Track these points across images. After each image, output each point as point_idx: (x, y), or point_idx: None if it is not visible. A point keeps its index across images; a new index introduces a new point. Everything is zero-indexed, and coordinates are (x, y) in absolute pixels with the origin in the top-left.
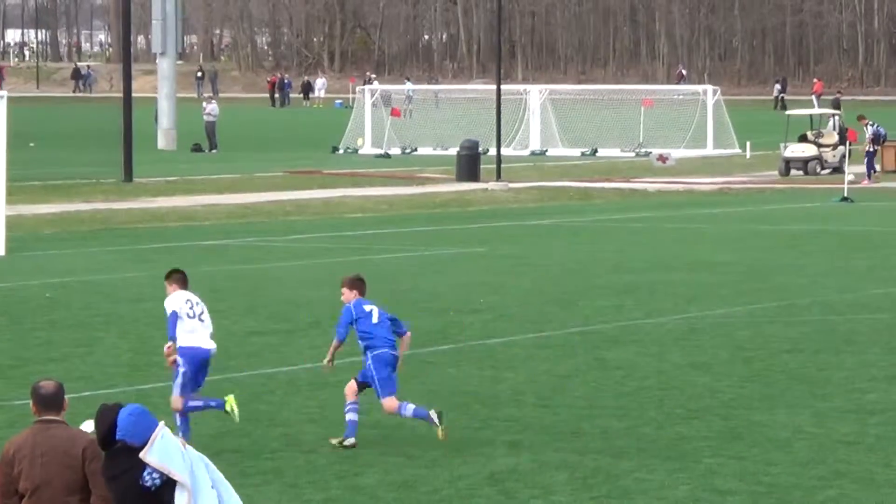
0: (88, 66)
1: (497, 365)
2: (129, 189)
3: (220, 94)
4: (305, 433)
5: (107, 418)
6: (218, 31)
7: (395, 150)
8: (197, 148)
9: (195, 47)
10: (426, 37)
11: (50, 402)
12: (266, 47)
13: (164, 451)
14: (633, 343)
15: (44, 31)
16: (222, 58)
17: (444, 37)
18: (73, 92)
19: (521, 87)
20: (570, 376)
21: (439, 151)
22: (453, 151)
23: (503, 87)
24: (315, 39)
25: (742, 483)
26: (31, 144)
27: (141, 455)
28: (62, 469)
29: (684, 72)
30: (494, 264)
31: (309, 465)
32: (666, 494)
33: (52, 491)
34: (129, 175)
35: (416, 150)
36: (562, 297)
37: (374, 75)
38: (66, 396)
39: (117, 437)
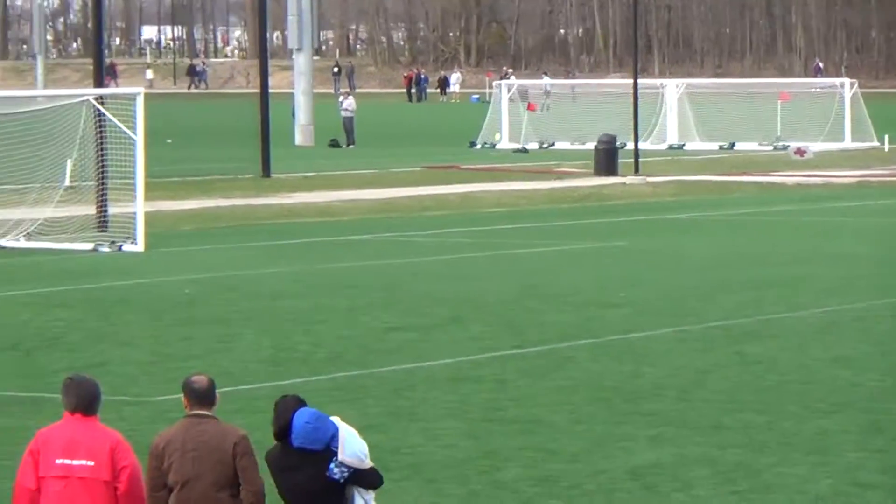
0: (203, 63)
1: (637, 359)
2: (267, 185)
3: (357, 90)
4: (445, 428)
5: (287, 411)
6: (354, 27)
7: (533, 145)
8: (334, 143)
9: (331, 43)
10: (562, 31)
11: (202, 396)
12: (402, 42)
13: (354, 446)
14: (773, 337)
15: (179, 27)
16: (359, 53)
17: (579, 31)
18: (189, 88)
19: (657, 81)
20: (710, 371)
21: (577, 146)
22: (591, 146)
23: (640, 81)
24: (451, 34)
25: (885, 477)
26: (169, 141)
27: (340, 458)
28: (212, 464)
29: (821, 65)
30: (633, 258)
31: (449, 459)
32: (807, 489)
33: (202, 486)
34: (266, 171)
35: (553, 144)
36: (701, 291)
37: (510, 70)
38: (217, 391)
39: (295, 447)
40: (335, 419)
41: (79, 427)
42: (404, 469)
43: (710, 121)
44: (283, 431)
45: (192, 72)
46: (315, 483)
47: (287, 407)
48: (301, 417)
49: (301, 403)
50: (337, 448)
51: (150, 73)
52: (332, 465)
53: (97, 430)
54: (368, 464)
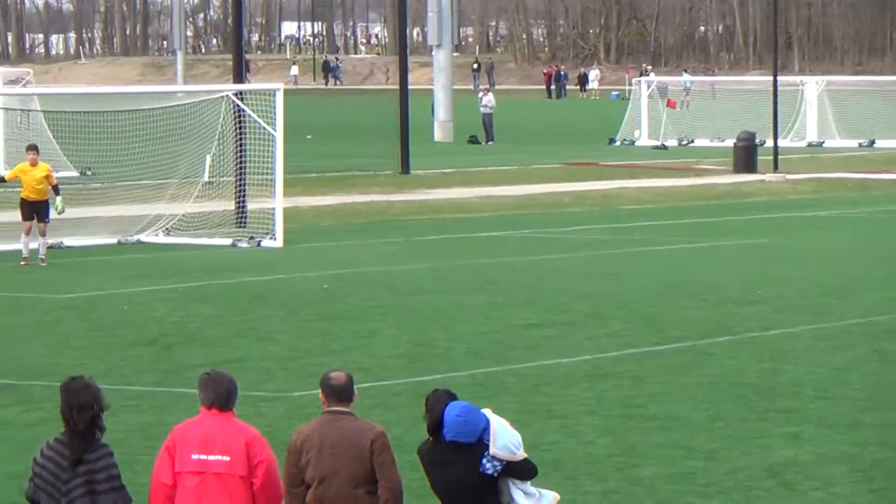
0: (337, 59)
1: (775, 356)
2: (406, 181)
3: (497, 86)
4: (583, 425)
5: (439, 405)
6: (494, 23)
7: (672, 142)
8: (473, 140)
9: (471, 39)
10: (702, 28)
11: (340, 393)
12: (542, 39)
13: (506, 438)
14: None
15: (320, 23)
16: (498, 49)
17: (719, 28)
18: (325, 84)
19: (797, 78)
20: (849, 368)
21: (716, 143)
22: (730, 143)
23: (779, 78)
24: (591, 31)
25: None
26: (309, 137)
27: (492, 452)
28: (350, 461)
29: None
30: (772, 255)
31: (587, 456)
32: None
33: (339, 482)
34: (405, 167)
35: (692, 141)
36: (840, 289)
37: (650, 67)
38: (355, 388)
39: (446, 439)
40: (486, 411)
41: (215, 422)
42: (543, 465)
43: (850, 118)
44: (435, 426)
45: (326, 68)
46: (468, 477)
47: (439, 401)
48: (452, 411)
49: (452, 397)
50: (489, 441)
51: (294, 69)
52: (484, 461)
53: (233, 425)
54: (521, 455)
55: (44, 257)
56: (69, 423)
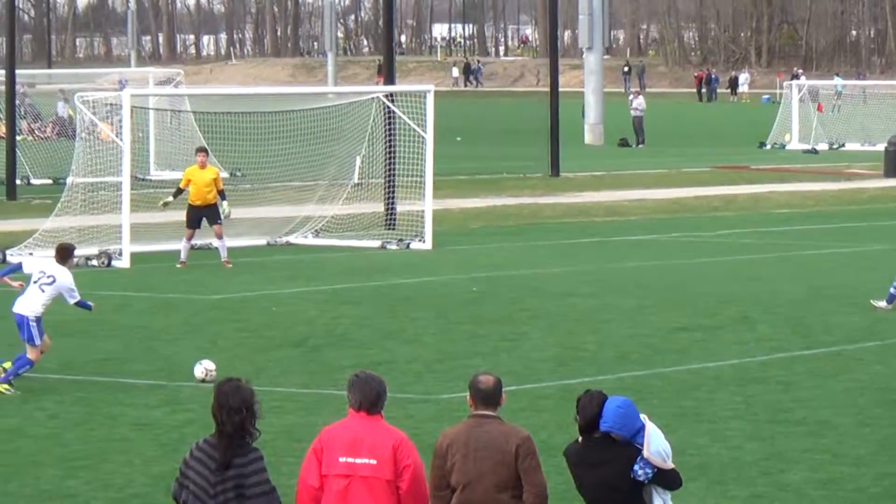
0: (478, 61)
1: None
2: (556, 183)
3: (647, 89)
4: (731, 429)
5: (592, 405)
6: (644, 26)
7: (823, 146)
8: (624, 142)
9: (622, 42)
10: (853, 32)
11: (488, 396)
12: (693, 42)
13: (660, 444)
14: None
15: (470, 25)
16: (650, 52)
17: (871, 32)
18: (465, 86)
19: None
20: None
21: (867, 147)
22: (881, 147)
23: None
24: (742, 34)
25: None
26: (459, 139)
27: (645, 455)
28: (495, 465)
29: None
30: None
31: (735, 461)
32: None
33: (484, 486)
34: (555, 169)
35: (843, 145)
36: None
37: (801, 70)
38: (503, 392)
39: (602, 429)
40: (643, 416)
41: (363, 425)
42: (690, 470)
43: None
44: (587, 426)
45: (467, 70)
46: (618, 480)
47: (591, 401)
48: (614, 402)
49: (605, 398)
50: (641, 444)
51: (455, 71)
52: (636, 467)
53: (381, 428)
54: (670, 464)
55: (227, 259)
56: (218, 425)
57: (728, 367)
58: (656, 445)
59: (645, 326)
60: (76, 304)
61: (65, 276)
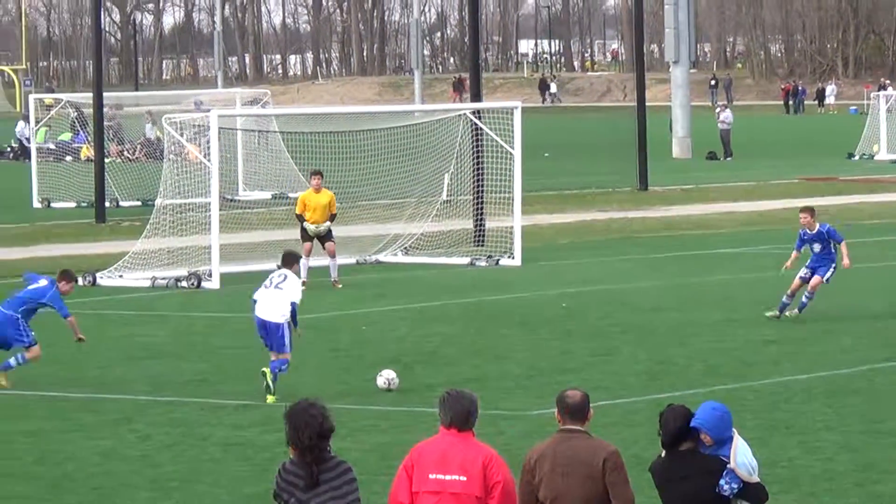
0: (554, 76)
1: None
2: (644, 197)
3: (734, 102)
4: (822, 441)
5: (676, 420)
6: (731, 39)
7: None
8: (711, 156)
9: (708, 55)
10: None
11: (576, 411)
12: (779, 54)
13: (747, 457)
14: None
15: (556, 41)
16: (736, 65)
17: None
18: (542, 103)
19: None
20: None
21: None
22: None
23: None
24: (828, 46)
25: None
26: (546, 154)
27: (731, 466)
28: (583, 479)
29: None
30: None
31: (826, 472)
32: None
33: (572, 501)
34: (643, 183)
35: None
36: None
37: (888, 81)
38: (591, 407)
39: (692, 425)
40: (733, 429)
41: (453, 442)
42: (782, 482)
43: None
44: (671, 440)
45: (543, 86)
46: (702, 493)
47: (674, 415)
48: (711, 404)
49: (688, 412)
50: (726, 456)
51: (553, 87)
52: (722, 481)
53: (471, 445)
54: (756, 479)
55: (337, 279)
56: (295, 446)
57: (818, 378)
58: (743, 458)
59: (734, 339)
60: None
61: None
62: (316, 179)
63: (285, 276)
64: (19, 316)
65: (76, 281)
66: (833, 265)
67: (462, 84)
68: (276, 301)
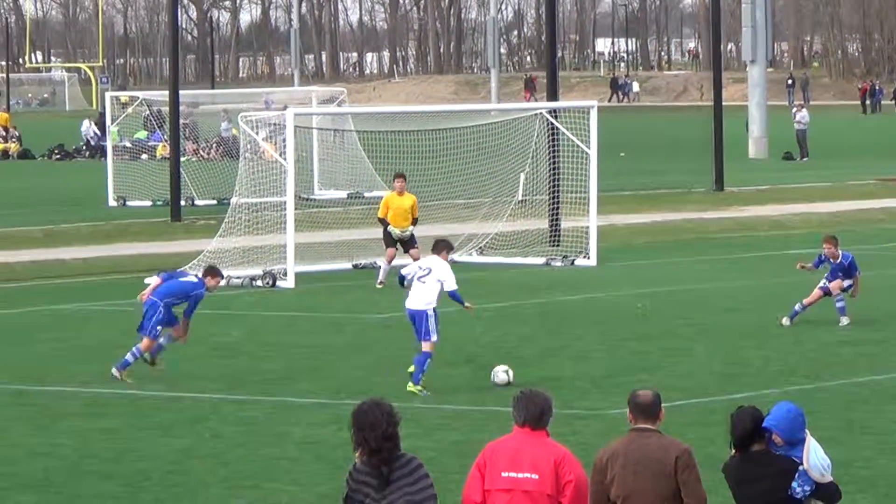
0: (626, 76)
1: None
2: (721, 198)
3: (811, 102)
4: None
5: (745, 420)
6: (808, 38)
7: None
8: (788, 156)
9: (785, 54)
10: None
11: (647, 410)
12: (857, 54)
13: (819, 458)
14: None
15: (633, 40)
16: (813, 64)
17: None
18: (609, 101)
19: None
20: None
21: None
22: None
23: None
24: None
25: None
26: (622, 154)
27: (804, 467)
28: (655, 478)
29: None
30: None
31: None
32: None
33: (644, 499)
34: (720, 184)
35: None
36: None
37: None
38: (662, 406)
39: (765, 425)
40: (806, 431)
41: (526, 440)
42: (857, 483)
43: None
44: (741, 441)
45: (614, 85)
46: (775, 493)
47: (744, 416)
48: (785, 405)
49: (757, 413)
50: (798, 457)
51: (636, 86)
52: (794, 484)
53: (544, 443)
54: (828, 478)
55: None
56: (364, 446)
57: (894, 380)
58: (815, 459)
59: (810, 340)
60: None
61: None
62: (399, 182)
63: (430, 270)
64: (161, 306)
65: (222, 276)
66: (852, 283)
67: (533, 82)
68: (421, 291)
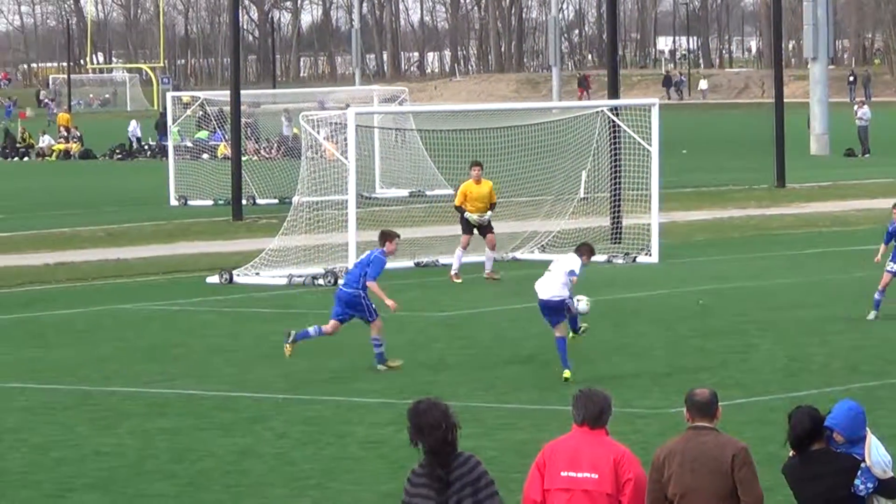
0: (680, 73)
1: None
2: (782, 195)
3: (873, 99)
4: None
5: (804, 420)
6: (869, 35)
7: None
8: (849, 153)
9: (847, 51)
10: None
11: (703, 409)
12: None
13: (880, 454)
14: None
15: (695, 38)
16: (875, 62)
17: None
18: (662, 98)
19: None
20: None
21: None
22: None
23: None
24: None
25: None
26: (684, 151)
27: (867, 464)
28: (711, 476)
29: None
30: None
31: None
32: None
33: (700, 498)
34: (781, 180)
35: None
36: None
37: None
38: (719, 404)
39: (826, 424)
40: (869, 434)
41: (585, 439)
42: None
43: None
44: (800, 440)
45: (667, 83)
46: (837, 492)
47: (803, 416)
48: (847, 403)
49: (815, 413)
50: (861, 455)
51: (703, 84)
52: (857, 482)
53: (603, 442)
54: (890, 474)
55: (493, 272)
56: (424, 446)
57: None
58: (877, 455)
59: (873, 337)
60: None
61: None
62: (476, 170)
63: (559, 260)
64: (362, 292)
65: (398, 236)
66: None
67: (587, 81)
68: (550, 282)
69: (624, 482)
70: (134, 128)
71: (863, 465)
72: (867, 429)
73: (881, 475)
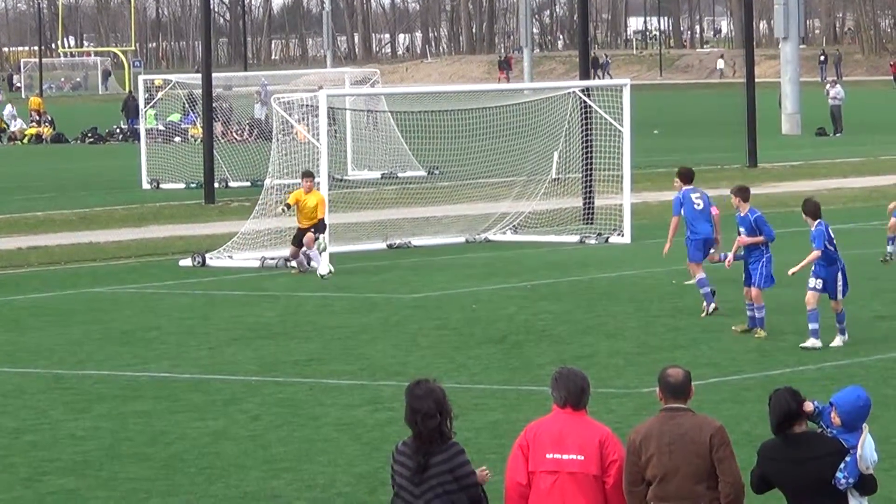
0: (606, 55)
1: None
2: (754, 174)
3: (844, 78)
4: None
5: (785, 401)
6: (840, 15)
7: None
8: (821, 132)
9: (818, 31)
10: None
11: (678, 389)
12: (889, 30)
13: (871, 451)
14: None
15: (666, 18)
16: (845, 41)
17: None
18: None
19: None
20: None
21: None
22: None
23: None
24: None
25: None
26: (655, 132)
27: (858, 453)
28: (690, 457)
29: None
30: None
31: None
32: None
33: (680, 478)
34: (753, 160)
35: None
36: None
37: None
38: (692, 384)
39: (832, 400)
40: (864, 425)
41: (568, 421)
42: (893, 458)
43: None
44: (780, 422)
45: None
46: (823, 474)
47: (782, 398)
48: (856, 390)
49: (796, 395)
50: (850, 444)
51: (721, 63)
52: (839, 475)
53: (586, 423)
54: (871, 471)
55: (301, 271)
56: (414, 429)
57: None
58: (869, 450)
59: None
60: None
61: None
62: (307, 181)
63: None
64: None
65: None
66: None
67: (508, 63)
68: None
69: (608, 463)
70: (10, 111)
71: (847, 458)
72: (866, 424)
73: (864, 470)
